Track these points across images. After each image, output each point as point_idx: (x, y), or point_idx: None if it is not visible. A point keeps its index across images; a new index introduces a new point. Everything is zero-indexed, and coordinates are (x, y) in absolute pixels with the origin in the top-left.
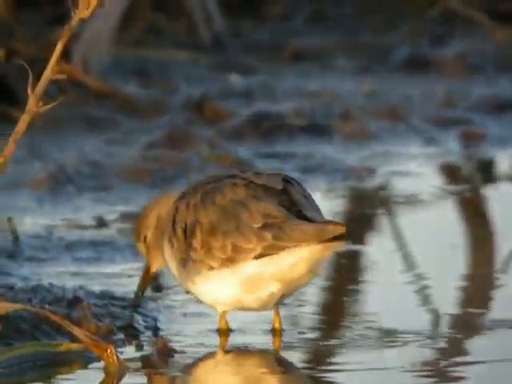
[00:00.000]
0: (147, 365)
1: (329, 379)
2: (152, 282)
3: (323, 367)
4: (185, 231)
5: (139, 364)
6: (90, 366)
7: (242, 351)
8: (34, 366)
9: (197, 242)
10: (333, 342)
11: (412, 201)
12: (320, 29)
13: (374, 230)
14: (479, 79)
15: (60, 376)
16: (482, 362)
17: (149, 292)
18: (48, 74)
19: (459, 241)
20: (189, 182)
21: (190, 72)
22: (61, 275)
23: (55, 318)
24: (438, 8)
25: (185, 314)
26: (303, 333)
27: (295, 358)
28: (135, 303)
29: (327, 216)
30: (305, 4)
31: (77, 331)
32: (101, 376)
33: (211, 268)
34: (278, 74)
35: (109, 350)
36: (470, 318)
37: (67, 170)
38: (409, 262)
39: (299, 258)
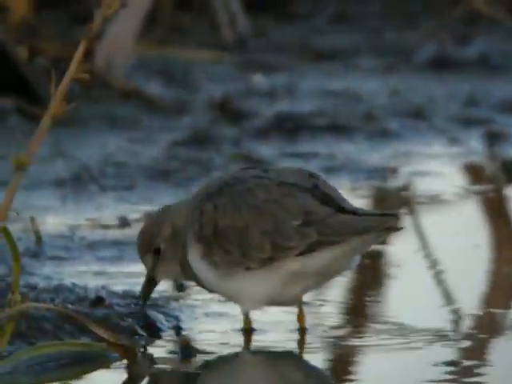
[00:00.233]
0: (170, 364)
1: (352, 378)
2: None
3: (346, 366)
4: (214, 233)
5: (162, 363)
6: (113, 365)
7: (266, 350)
8: (57, 366)
9: (231, 244)
10: (356, 341)
11: (435, 201)
12: (343, 28)
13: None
14: (502, 79)
15: (83, 375)
16: (504, 362)
17: (171, 291)
18: (71, 73)
19: (482, 241)
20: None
21: (213, 72)
22: (83, 275)
23: (78, 317)
24: (461, 8)
25: (207, 314)
26: (327, 332)
27: (319, 357)
28: (141, 312)
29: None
30: (328, 3)
31: (99, 331)
32: (123, 376)
33: (248, 268)
34: (302, 73)
35: (131, 350)
36: (493, 318)
37: (90, 169)
38: (432, 261)
39: (343, 252)
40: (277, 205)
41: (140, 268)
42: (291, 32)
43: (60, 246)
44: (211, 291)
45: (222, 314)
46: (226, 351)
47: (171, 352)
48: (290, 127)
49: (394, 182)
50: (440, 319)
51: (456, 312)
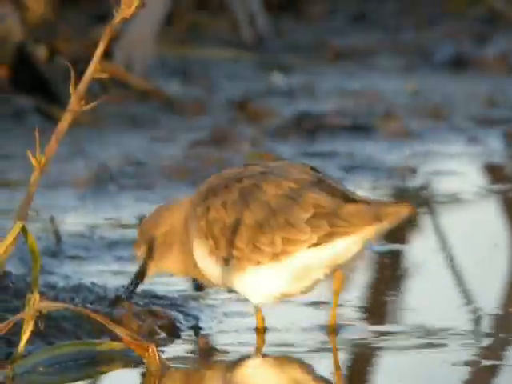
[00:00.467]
0: (188, 364)
1: (371, 379)
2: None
3: (365, 367)
4: (222, 230)
5: (181, 363)
6: (132, 365)
7: (284, 350)
8: (76, 365)
9: (241, 240)
10: (374, 341)
11: (454, 200)
12: (362, 28)
13: (415, 229)
14: None
15: (102, 375)
16: None
17: (190, 291)
18: (90, 72)
19: (502, 240)
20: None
21: (232, 71)
22: (103, 274)
23: (97, 317)
24: (480, 7)
25: (226, 313)
26: (345, 332)
27: (337, 358)
28: (127, 297)
29: None
30: (347, 3)
31: (119, 330)
32: (142, 375)
33: (259, 263)
34: (321, 73)
35: (150, 349)
36: None
37: (110, 168)
38: (451, 261)
39: (355, 242)
40: (286, 199)
41: None
42: (310, 32)
43: (79, 245)
44: (218, 286)
45: (241, 313)
46: (244, 351)
47: (190, 352)
48: (309, 127)
49: (414, 182)
50: (459, 319)
51: (475, 312)
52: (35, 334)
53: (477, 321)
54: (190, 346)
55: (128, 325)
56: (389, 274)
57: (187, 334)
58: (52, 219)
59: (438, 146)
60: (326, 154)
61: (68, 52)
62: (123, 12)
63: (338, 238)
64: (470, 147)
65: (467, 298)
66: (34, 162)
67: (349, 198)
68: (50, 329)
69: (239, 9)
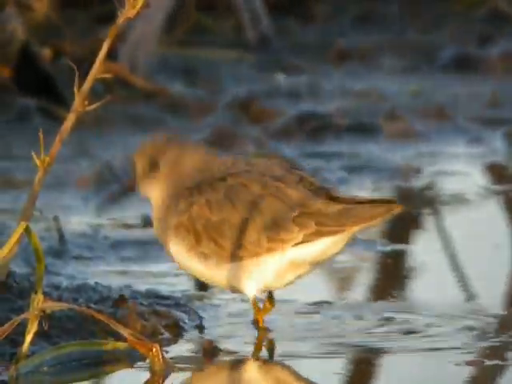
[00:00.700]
0: (193, 364)
1: (374, 381)
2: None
3: (368, 368)
4: (205, 227)
5: (185, 363)
6: (136, 365)
7: (284, 351)
8: (79, 365)
9: (225, 239)
10: (378, 342)
11: (458, 200)
12: (366, 28)
13: (419, 229)
14: None
15: (106, 375)
16: None
17: (194, 290)
18: (94, 72)
19: (504, 241)
20: None
21: (236, 71)
22: (107, 274)
23: (101, 317)
24: (484, 7)
25: (230, 313)
26: (347, 333)
27: (342, 357)
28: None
29: None
30: (351, 3)
31: (122, 330)
32: (146, 375)
33: (242, 259)
34: (325, 73)
35: (154, 349)
36: None
37: (114, 168)
38: (454, 261)
39: (340, 239)
40: (273, 198)
41: (163, 267)
42: (314, 32)
43: (83, 245)
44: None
45: (245, 313)
46: (248, 351)
47: (194, 351)
48: (313, 127)
49: (417, 182)
50: (462, 319)
51: (478, 312)
52: (39, 334)
53: (480, 321)
54: (193, 346)
55: (132, 325)
56: (392, 275)
57: (191, 333)
58: (56, 219)
59: (442, 146)
60: (330, 154)
61: (72, 52)
62: (127, 12)
63: (325, 236)
64: (473, 147)
65: (470, 298)
66: (38, 162)
67: (333, 197)
68: (54, 329)
69: (243, 9)
